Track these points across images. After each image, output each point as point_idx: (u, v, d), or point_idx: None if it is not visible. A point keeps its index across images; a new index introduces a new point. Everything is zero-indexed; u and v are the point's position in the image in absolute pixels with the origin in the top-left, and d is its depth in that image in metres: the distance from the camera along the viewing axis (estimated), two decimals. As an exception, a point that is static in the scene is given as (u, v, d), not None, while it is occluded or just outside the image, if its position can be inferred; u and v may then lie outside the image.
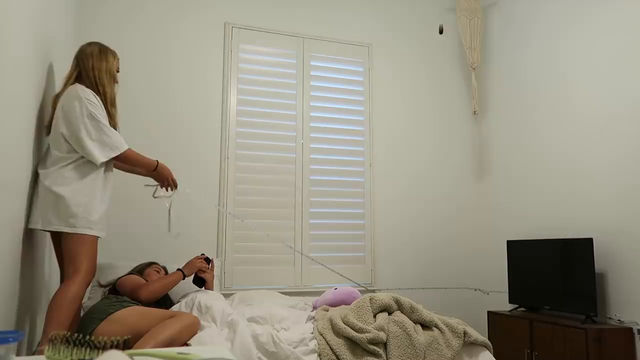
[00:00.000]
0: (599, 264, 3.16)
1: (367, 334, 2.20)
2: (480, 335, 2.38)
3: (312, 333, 2.28)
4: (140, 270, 2.78)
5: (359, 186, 3.99)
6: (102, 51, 2.33)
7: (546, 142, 3.68)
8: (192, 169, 3.55)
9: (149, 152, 2.62)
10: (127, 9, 3.56)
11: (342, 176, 3.95)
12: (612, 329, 2.84)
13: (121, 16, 3.53)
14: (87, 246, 2.11)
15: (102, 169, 2.22)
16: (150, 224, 3.40)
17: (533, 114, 3.82)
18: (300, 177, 3.81)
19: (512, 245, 3.68)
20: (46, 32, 2.35)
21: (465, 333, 2.33)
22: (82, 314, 2.37)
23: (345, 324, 2.28)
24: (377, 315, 2.36)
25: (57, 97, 2.26)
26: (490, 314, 3.59)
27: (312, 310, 2.82)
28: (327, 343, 2.21)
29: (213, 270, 2.93)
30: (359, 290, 3.14)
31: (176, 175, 2.56)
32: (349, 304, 2.65)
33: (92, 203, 2.14)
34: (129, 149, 2.27)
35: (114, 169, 2.37)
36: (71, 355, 0.89)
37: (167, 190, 2.56)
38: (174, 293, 2.78)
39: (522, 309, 3.60)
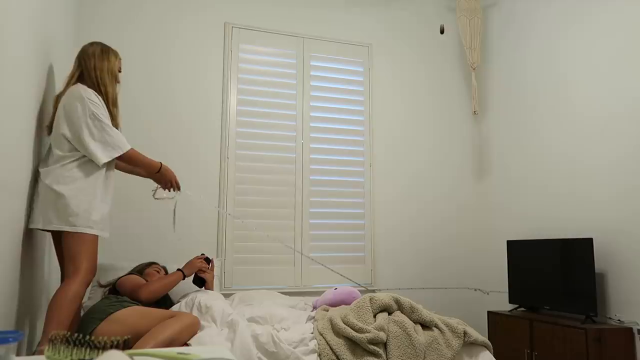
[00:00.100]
0: (599, 264, 3.16)
1: (367, 334, 2.20)
2: (480, 335, 2.38)
3: (312, 333, 2.28)
4: (140, 270, 2.78)
5: (359, 186, 3.99)
6: (104, 51, 2.33)
7: (546, 142, 3.68)
8: (192, 169, 3.55)
9: (149, 152, 2.62)
10: (126, 9, 3.56)
11: (342, 176, 3.95)
12: (612, 329, 2.84)
13: (121, 16, 3.53)
14: (87, 245, 2.11)
15: (104, 169, 2.22)
16: (150, 224, 3.40)
17: (533, 114, 3.82)
18: (300, 177, 3.81)
19: (512, 245, 3.68)
20: (46, 32, 2.35)
21: (465, 333, 2.33)
22: (82, 313, 2.37)
23: (345, 324, 2.28)
24: (377, 315, 2.36)
25: (59, 97, 2.26)
26: (490, 314, 3.59)
27: (312, 310, 2.82)
28: (327, 343, 2.21)
29: (213, 270, 2.93)
30: (359, 290, 3.14)
31: (177, 176, 2.56)
32: (349, 304, 2.65)
33: (93, 202, 2.14)
34: (131, 148, 2.27)
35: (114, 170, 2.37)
36: (71, 355, 0.89)
37: (169, 191, 2.56)
38: (174, 293, 2.78)
39: (522, 309, 3.60)
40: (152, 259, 3.18)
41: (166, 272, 2.88)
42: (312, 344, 2.21)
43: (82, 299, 2.22)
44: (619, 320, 2.98)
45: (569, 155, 3.46)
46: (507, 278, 3.78)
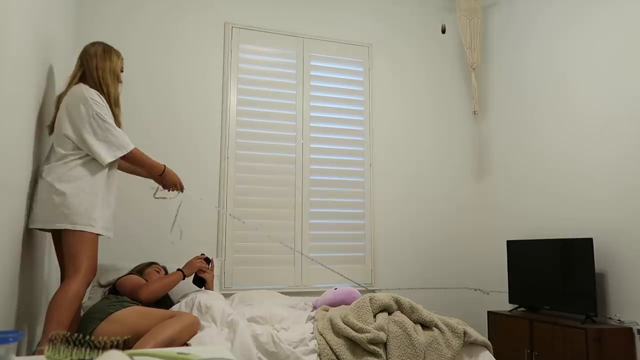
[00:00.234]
0: (599, 264, 3.16)
1: (367, 334, 2.20)
2: (480, 335, 2.38)
3: (312, 333, 2.28)
4: (140, 270, 2.78)
5: (359, 186, 3.99)
6: (106, 51, 2.33)
7: (546, 142, 3.68)
8: (192, 169, 3.55)
9: (149, 152, 2.63)
10: (126, 9, 3.56)
11: (342, 176, 3.95)
12: (612, 329, 2.84)
13: (121, 16, 3.53)
14: (87, 244, 2.10)
15: (107, 168, 2.22)
16: (150, 224, 3.40)
17: (533, 114, 3.82)
18: (300, 177, 3.81)
19: (512, 245, 3.68)
20: (46, 32, 2.35)
21: (465, 333, 2.33)
22: (82, 313, 2.37)
23: (345, 324, 2.28)
24: (377, 315, 2.36)
25: (61, 96, 2.26)
26: (490, 314, 3.59)
27: (312, 310, 2.82)
28: (327, 343, 2.21)
29: (213, 270, 2.93)
30: (359, 290, 3.14)
31: (178, 176, 2.56)
32: (349, 304, 2.65)
33: (94, 201, 2.13)
34: (135, 148, 2.27)
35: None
36: (71, 355, 0.89)
37: (169, 191, 2.56)
38: (174, 293, 2.78)
39: (522, 309, 3.60)
40: (152, 259, 3.18)
41: (166, 272, 2.88)
42: (312, 344, 2.21)
43: (83, 299, 2.22)
44: (619, 320, 2.98)
45: (569, 155, 3.46)
46: (507, 278, 3.78)
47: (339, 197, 3.92)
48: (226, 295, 3.25)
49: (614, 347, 2.81)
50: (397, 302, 2.41)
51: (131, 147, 2.25)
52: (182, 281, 2.66)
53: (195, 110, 3.64)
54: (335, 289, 2.90)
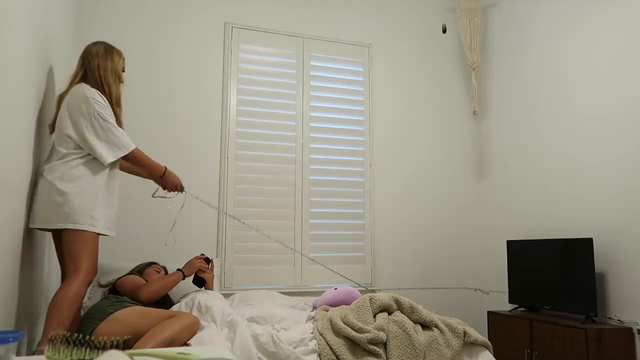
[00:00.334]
0: (599, 264, 3.16)
1: (367, 334, 2.20)
2: (480, 335, 2.38)
3: (312, 333, 2.28)
4: (140, 270, 2.78)
5: (359, 186, 3.99)
6: (107, 50, 2.33)
7: (546, 142, 3.68)
8: (192, 169, 3.55)
9: (149, 152, 2.62)
10: (126, 9, 3.56)
11: (342, 176, 3.95)
12: (612, 329, 2.84)
13: (121, 16, 3.53)
14: (88, 244, 2.10)
15: (108, 168, 2.22)
16: (150, 225, 3.40)
17: (533, 114, 3.82)
18: (300, 177, 3.82)
19: (512, 245, 3.68)
20: (46, 32, 2.35)
21: (465, 333, 2.33)
22: (82, 313, 2.36)
23: (345, 324, 2.28)
24: (377, 315, 2.36)
25: (62, 96, 2.26)
26: (490, 314, 3.59)
27: (312, 310, 2.82)
28: (327, 343, 2.21)
29: (213, 270, 2.93)
30: (359, 290, 3.14)
31: (179, 177, 2.56)
32: (349, 304, 2.65)
33: (95, 201, 2.13)
34: (136, 148, 2.27)
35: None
36: (71, 355, 0.89)
37: (169, 191, 2.56)
38: (174, 293, 2.78)
39: (522, 309, 3.60)
40: (152, 259, 3.18)
41: (166, 272, 2.88)
42: (312, 344, 2.21)
43: (83, 299, 2.22)
44: (619, 320, 2.98)
45: (569, 155, 3.46)
46: (507, 278, 3.78)
47: (339, 197, 3.92)
48: (226, 295, 3.25)
49: (614, 347, 2.81)
50: (397, 302, 2.41)
51: (132, 147, 2.25)
52: (182, 281, 2.66)
53: (195, 110, 3.64)
54: (335, 289, 2.90)
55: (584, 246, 3.06)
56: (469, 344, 2.35)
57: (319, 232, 3.83)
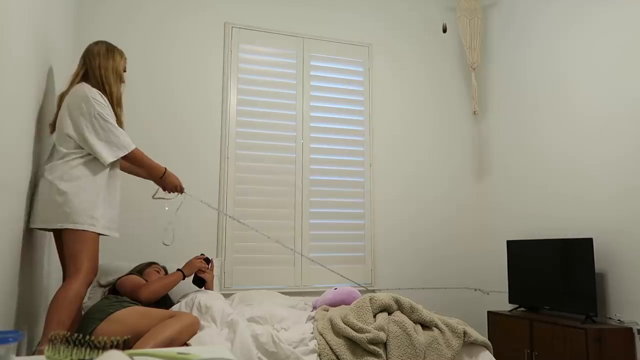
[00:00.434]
0: (599, 264, 3.16)
1: (367, 334, 2.20)
2: (480, 335, 2.38)
3: (312, 333, 2.28)
4: (140, 270, 2.78)
5: (359, 186, 3.99)
6: (109, 50, 2.32)
7: (546, 142, 3.68)
8: (192, 169, 3.55)
9: (149, 152, 2.63)
10: (126, 9, 3.56)
11: (342, 176, 3.95)
12: (612, 329, 2.84)
13: (121, 16, 3.53)
14: (88, 244, 2.10)
15: (108, 168, 2.22)
16: (150, 225, 3.40)
17: (533, 114, 3.82)
18: (300, 177, 3.81)
19: (512, 245, 3.68)
20: (46, 32, 2.35)
21: (465, 333, 2.33)
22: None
23: (345, 324, 2.28)
24: (377, 315, 2.36)
25: (63, 95, 2.26)
26: (490, 314, 3.59)
27: (312, 310, 2.82)
28: (327, 343, 2.21)
29: (213, 270, 2.93)
30: (359, 290, 3.14)
31: (179, 177, 2.56)
32: (349, 304, 2.65)
33: (96, 201, 2.13)
34: (136, 148, 2.27)
35: None
36: (71, 355, 0.89)
37: (169, 192, 2.56)
38: (174, 293, 2.78)
39: (522, 309, 3.60)
40: (152, 259, 3.18)
41: (166, 272, 2.88)
42: (312, 344, 2.21)
43: (83, 299, 2.21)
44: (619, 320, 2.98)
45: (569, 155, 3.46)
46: (507, 278, 3.78)
47: (339, 197, 3.92)
48: (226, 295, 3.25)
49: (614, 347, 2.81)
50: (397, 302, 2.41)
51: (132, 147, 2.25)
52: (182, 281, 2.66)
53: (195, 110, 3.64)
54: (335, 289, 2.90)
55: (584, 246, 3.06)
56: (469, 344, 2.35)
57: (319, 232, 3.83)
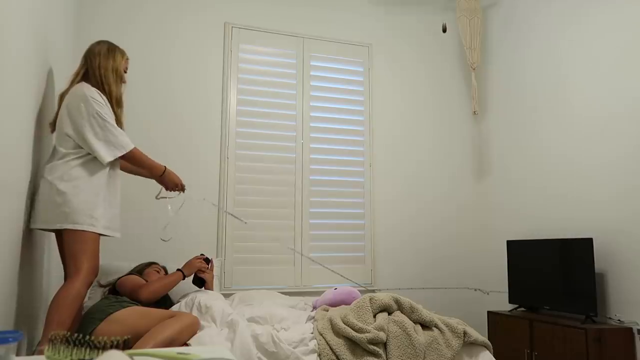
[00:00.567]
0: (599, 264, 3.16)
1: (367, 334, 2.20)
2: (480, 335, 2.38)
3: (312, 333, 2.28)
4: (140, 270, 2.78)
5: (359, 186, 3.99)
6: (110, 50, 2.32)
7: (546, 142, 3.68)
8: (192, 169, 3.55)
9: (149, 152, 2.63)
10: (126, 9, 3.56)
11: (342, 176, 3.95)
12: (612, 329, 2.84)
13: (121, 16, 3.53)
14: (88, 244, 2.10)
15: (107, 167, 2.21)
16: (150, 225, 3.40)
17: (533, 114, 3.82)
18: (300, 177, 3.81)
19: (511, 245, 3.68)
20: (46, 32, 2.35)
21: (465, 333, 2.33)
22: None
23: (345, 324, 2.28)
24: (377, 315, 2.36)
25: (63, 95, 2.26)
26: (490, 314, 3.59)
27: (312, 310, 2.82)
28: (327, 343, 2.21)
29: (212, 270, 2.93)
30: (359, 290, 3.14)
31: (178, 175, 2.56)
32: (349, 304, 2.65)
33: (95, 201, 2.13)
34: (135, 148, 2.26)
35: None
36: (71, 355, 0.89)
37: (170, 191, 2.55)
38: (173, 293, 2.78)
39: (522, 309, 3.60)
40: (152, 259, 3.18)
41: (166, 272, 2.88)
42: (312, 344, 2.21)
43: (84, 299, 2.21)
44: (619, 320, 2.98)
45: (569, 155, 3.46)
46: (507, 278, 3.78)
47: (339, 197, 3.92)
48: (226, 295, 3.25)
49: (614, 347, 2.81)
50: (397, 302, 2.41)
51: (131, 147, 2.24)
52: (182, 281, 2.66)
53: (195, 110, 3.64)
54: (335, 289, 2.90)
55: (584, 246, 3.06)
56: (469, 344, 2.35)
57: (319, 232, 3.83)
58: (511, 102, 4.06)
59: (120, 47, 2.39)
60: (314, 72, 3.98)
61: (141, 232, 3.38)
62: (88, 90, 2.17)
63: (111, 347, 0.89)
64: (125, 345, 0.90)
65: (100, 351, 0.89)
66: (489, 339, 3.27)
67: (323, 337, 2.24)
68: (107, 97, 2.24)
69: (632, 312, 2.93)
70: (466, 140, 4.38)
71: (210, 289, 2.87)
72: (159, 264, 2.89)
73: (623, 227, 3.03)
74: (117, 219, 2.27)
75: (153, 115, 3.53)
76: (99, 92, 2.21)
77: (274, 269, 3.67)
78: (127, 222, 3.34)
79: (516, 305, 3.65)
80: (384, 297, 2.42)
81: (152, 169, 2.39)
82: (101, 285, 2.77)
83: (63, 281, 2.21)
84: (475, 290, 4.19)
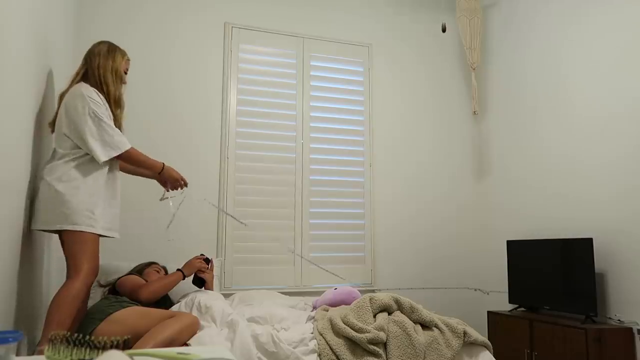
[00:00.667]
0: (599, 264, 3.16)
1: (367, 334, 2.20)
2: (480, 335, 2.38)
3: (312, 333, 2.28)
4: (139, 270, 2.78)
5: (359, 186, 3.99)
6: (110, 50, 2.32)
7: (546, 142, 3.68)
8: (192, 169, 3.55)
9: (149, 152, 2.62)
10: (126, 9, 3.56)
11: (342, 176, 3.95)
12: (612, 329, 2.84)
13: (121, 16, 3.53)
14: (88, 245, 2.10)
15: (106, 168, 2.21)
16: (150, 225, 3.40)
17: (533, 114, 3.82)
18: (300, 177, 3.81)
19: (511, 245, 3.68)
20: (46, 32, 2.35)
21: (465, 333, 2.33)
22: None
23: (345, 324, 2.28)
24: (377, 315, 2.36)
25: (63, 94, 2.26)
26: (490, 314, 3.59)
27: (312, 310, 2.82)
28: (327, 343, 2.21)
29: (212, 270, 2.93)
30: (359, 290, 3.14)
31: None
32: (349, 304, 2.65)
33: (94, 201, 2.13)
34: (132, 148, 2.25)
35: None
36: (71, 355, 0.89)
37: (172, 190, 2.55)
38: (173, 293, 2.78)
39: (522, 309, 3.60)
40: (152, 259, 3.18)
41: (166, 272, 2.88)
42: (312, 344, 2.21)
43: (84, 300, 2.21)
44: (619, 320, 2.98)
45: (569, 155, 3.46)
46: (507, 278, 3.78)
47: (339, 197, 3.92)
48: (226, 295, 3.25)
49: (614, 347, 2.81)
50: (397, 302, 2.41)
51: (127, 147, 2.23)
52: (182, 281, 2.66)
53: (195, 110, 3.64)
54: (335, 289, 2.90)
55: (584, 246, 3.06)
56: (469, 344, 2.35)
57: (319, 232, 3.82)
58: (511, 102, 4.06)
59: (120, 46, 2.39)
60: (314, 72, 3.98)
61: (141, 232, 3.38)
62: (86, 89, 2.17)
63: (111, 347, 0.89)
64: (125, 345, 0.90)
65: (100, 351, 0.89)
66: (489, 339, 3.27)
67: (323, 337, 2.24)
68: (105, 97, 2.24)
69: (632, 312, 2.93)
70: (466, 140, 4.38)
71: (210, 289, 2.87)
72: (159, 264, 2.89)
73: (623, 227, 3.03)
74: (117, 219, 2.27)
75: (153, 115, 3.53)
76: (97, 91, 2.21)
77: (274, 269, 3.67)
78: (127, 222, 3.34)
79: (516, 305, 3.65)
80: (384, 297, 2.42)
81: (150, 167, 2.39)
82: (101, 285, 2.77)
83: (64, 281, 2.21)
84: (475, 290, 4.19)
